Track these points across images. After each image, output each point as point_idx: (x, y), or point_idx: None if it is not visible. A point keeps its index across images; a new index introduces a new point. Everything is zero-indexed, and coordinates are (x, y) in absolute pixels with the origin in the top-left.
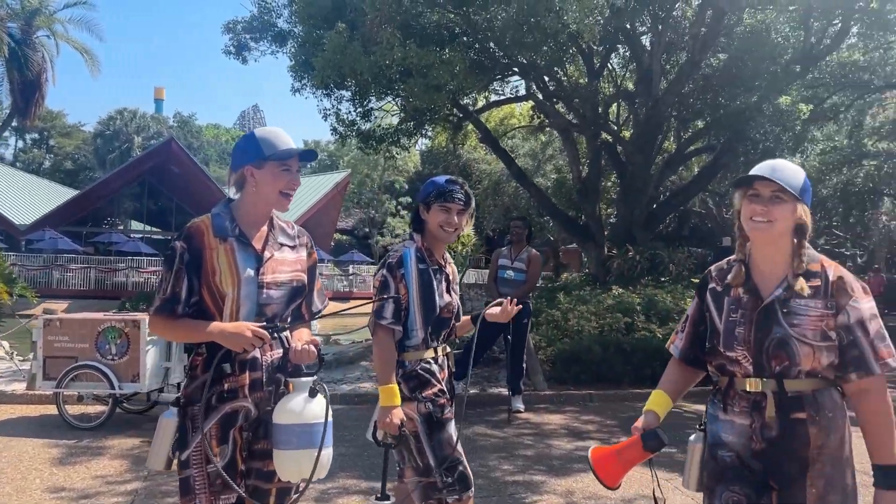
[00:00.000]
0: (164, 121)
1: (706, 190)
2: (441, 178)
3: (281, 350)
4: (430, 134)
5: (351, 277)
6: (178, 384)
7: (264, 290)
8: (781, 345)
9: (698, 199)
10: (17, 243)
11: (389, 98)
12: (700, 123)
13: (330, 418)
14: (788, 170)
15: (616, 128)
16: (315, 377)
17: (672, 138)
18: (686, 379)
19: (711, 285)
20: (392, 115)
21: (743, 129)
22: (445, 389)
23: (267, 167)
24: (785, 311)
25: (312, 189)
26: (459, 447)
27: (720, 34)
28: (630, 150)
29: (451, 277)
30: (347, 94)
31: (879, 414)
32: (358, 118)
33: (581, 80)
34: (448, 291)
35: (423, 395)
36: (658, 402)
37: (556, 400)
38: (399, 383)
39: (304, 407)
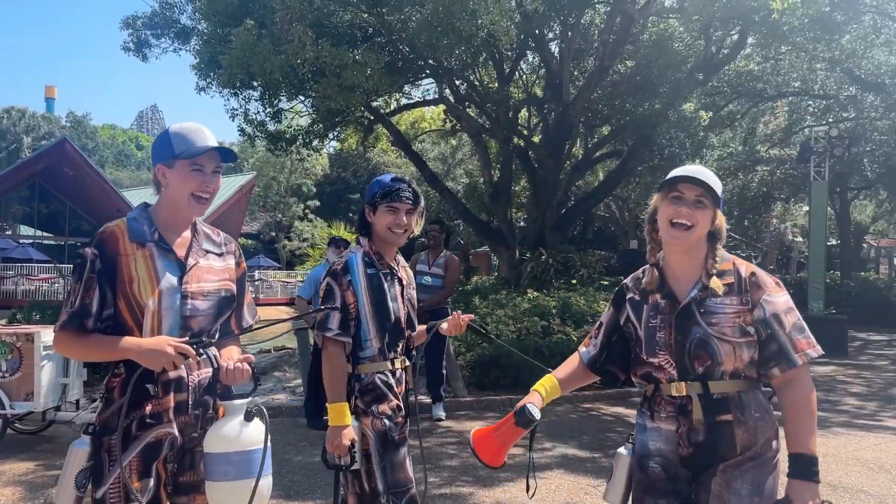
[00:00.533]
0: (56, 120)
1: (611, 194)
2: (386, 177)
3: (209, 369)
4: (340, 136)
5: (257, 283)
6: (77, 402)
7: (189, 301)
8: (702, 345)
9: (602, 203)
10: None
11: (300, 98)
12: (606, 130)
13: (269, 443)
14: (712, 176)
15: (527, 132)
16: (250, 398)
17: (580, 144)
18: (580, 378)
19: (629, 295)
20: (302, 117)
21: (649, 134)
22: (402, 406)
23: (177, 166)
24: (702, 311)
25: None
26: (411, 470)
27: (628, 41)
28: (541, 155)
29: (405, 282)
30: (256, 93)
31: (800, 403)
32: (267, 119)
33: (492, 85)
34: (403, 297)
35: (380, 410)
36: (546, 383)
37: (477, 406)
38: (355, 398)
39: (240, 432)
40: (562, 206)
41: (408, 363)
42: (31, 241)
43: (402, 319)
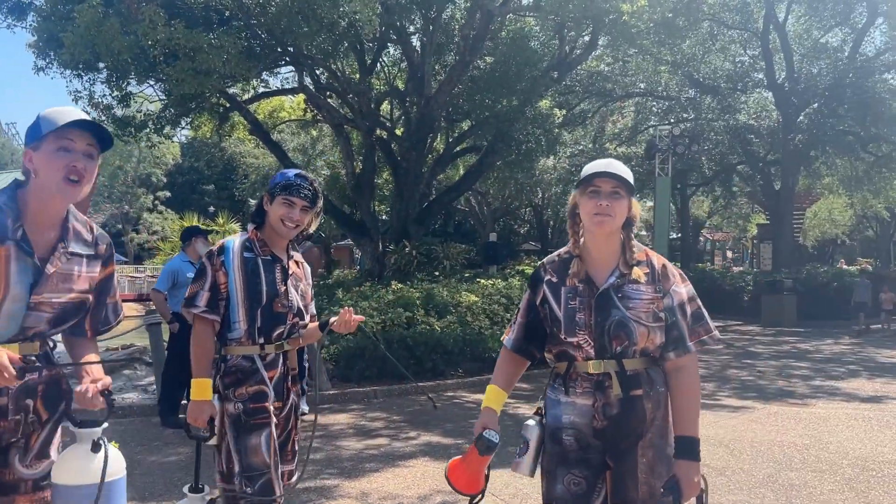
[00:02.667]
0: None
1: (471, 189)
2: (291, 172)
3: (36, 374)
4: (193, 123)
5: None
6: None
7: (33, 312)
8: (621, 326)
9: (462, 197)
10: None
11: (151, 82)
12: (466, 125)
13: (120, 475)
14: (623, 168)
15: (389, 125)
16: (102, 427)
17: (441, 138)
18: (517, 370)
19: (547, 277)
20: (152, 102)
21: (506, 130)
22: (269, 391)
23: (43, 147)
24: (619, 296)
25: None
26: (270, 456)
27: (487, 37)
28: (404, 147)
29: (294, 273)
30: (102, 75)
31: (690, 389)
32: (114, 102)
33: (354, 76)
34: (284, 284)
35: (236, 394)
36: (492, 397)
37: (341, 399)
38: (219, 378)
39: (90, 464)
40: (424, 199)
41: (288, 349)
42: None
43: (283, 305)
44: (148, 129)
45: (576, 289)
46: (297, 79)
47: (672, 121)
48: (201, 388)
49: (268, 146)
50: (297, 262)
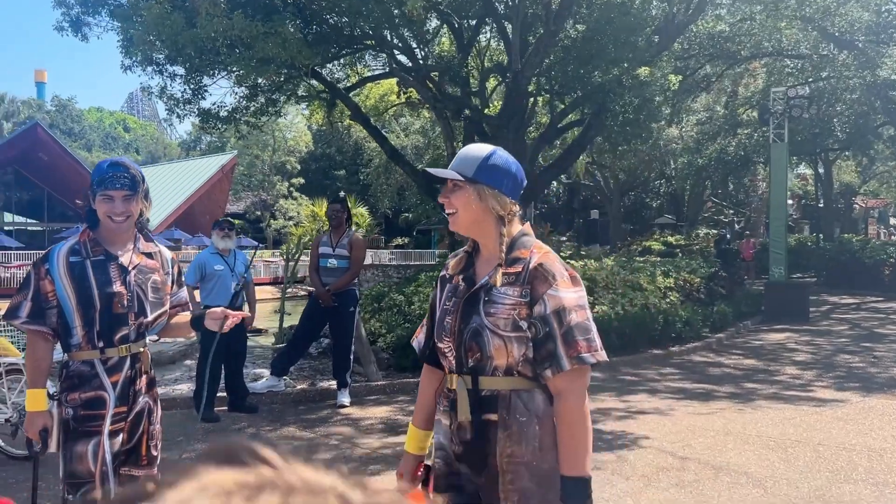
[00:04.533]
0: (40, 105)
1: (593, 163)
2: (105, 162)
3: None
4: (280, 111)
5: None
6: None
7: None
8: (475, 335)
9: (583, 170)
10: None
11: (223, 74)
12: (568, 98)
13: None
14: (469, 155)
15: (487, 103)
16: None
17: (546, 112)
18: (431, 385)
19: (443, 272)
20: (228, 93)
21: (604, 101)
22: (109, 397)
23: None
24: (487, 299)
25: (196, 173)
26: (97, 465)
27: (576, 5)
28: (496, 125)
29: (142, 266)
30: (181, 69)
31: (569, 417)
32: (190, 96)
33: (448, 54)
34: (123, 283)
35: (69, 398)
36: (412, 441)
37: (390, 390)
38: (60, 384)
39: None
40: (527, 177)
41: (137, 350)
42: (11, 228)
43: (123, 305)
44: (235, 121)
45: (456, 287)
46: (390, 63)
47: (808, 80)
48: (34, 399)
49: (368, 131)
50: (148, 254)
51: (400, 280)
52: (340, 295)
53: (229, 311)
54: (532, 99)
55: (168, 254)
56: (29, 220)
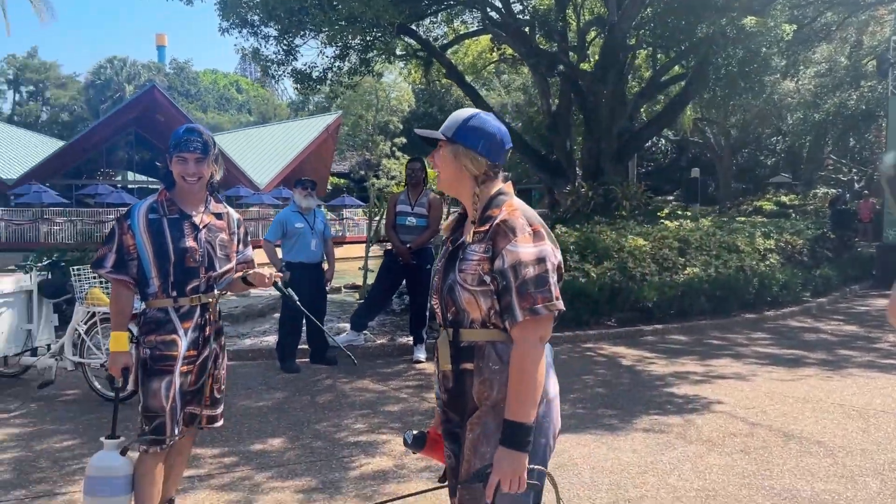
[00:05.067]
0: (160, 68)
1: (703, 119)
2: (182, 128)
3: None
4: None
5: (344, 221)
6: (48, 346)
7: None
8: (450, 291)
9: (689, 125)
10: (7, 198)
11: (313, 34)
12: (671, 53)
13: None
14: (453, 117)
15: (586, 57)
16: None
17: (648, 67)
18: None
19: (445, 234)
20: (318, 54)
21: (706, 54)
22: (179, 341)
23: None
24: (461, 257)
25: (302, 133)
26: (167, 401)
27: None
28: (591, 80)
29: (211, 226)
30: (273, 31)
31: (517, 365)
32: (283, 57)
33: (544, 7)
34: (195, 239)
35: (146, 340)
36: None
37: None
38: (138, 328)
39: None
40: (625, 133)
41: (206, 300)
42: (134, 186)
43: (194, 260)
44: (328, 81)
45: (446, 247)
46: (484, 19)
47: None
48: (117, 341)
49: (463, 89)
50: (217, 214)
51: None
52: (417, 253)
53: (272, 270)
54: (632, 53)
55: (235, 215)
56: (150, 179)
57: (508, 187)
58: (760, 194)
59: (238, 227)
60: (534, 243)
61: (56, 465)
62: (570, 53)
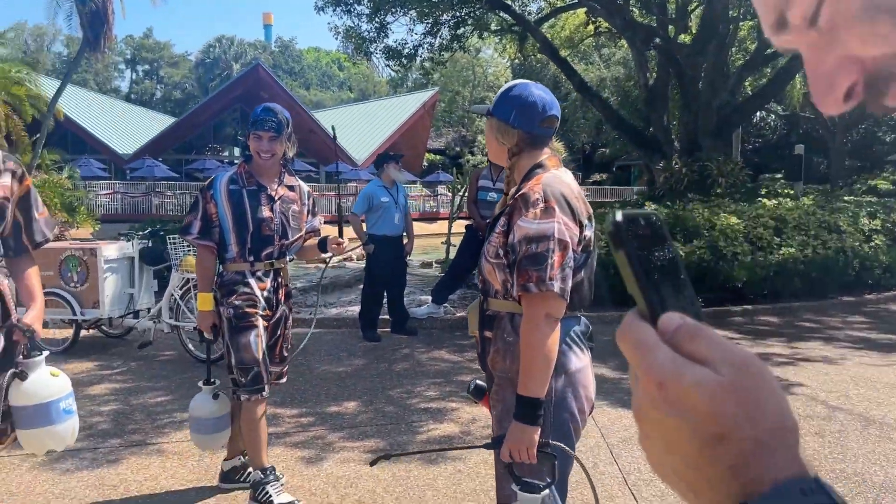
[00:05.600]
0: (265, 46)
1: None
2: (259, 107)
3: None
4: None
5: (438, 198)
6: (149, 310)
7: None
8: (480, 261)
9: (799, 100)
10: (123, 172)
11: (403, 11)
12: None
13: (61, 394)
14: (499, 91)
15: (686, 29)
16: (41, 357)
17: (753, 39)
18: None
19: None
20: (409, 31)
21: None
22: (258, 300)
23: None
24: (495, 229)
25: (399, 109)
26: (258, 352)
27: None
28: (687, 53)
29: (285, 197)
30: (366, 9)
31: (521, 341)
32: (376, 35)
33: None
34: (271, 210)
35: (228, 301)
36: None
37: None
38: (218, 289)
39: (36, 387)
40: (726, 107)
41: (278, 266)
42: (240, 161)
43: (270, 228)
44: (419, 57)
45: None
46: None
47: None
48: (203, 301)
49: (556, 63)
50: (290, 187)
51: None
52: None
53: (341, 239)
54: (734, 25)
55: (306, 188)
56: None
57: (551, 160)
58: (877, 172)
59: (308, 199)
60: (541, 219)
61: (149, 418)
62: (669, 26)
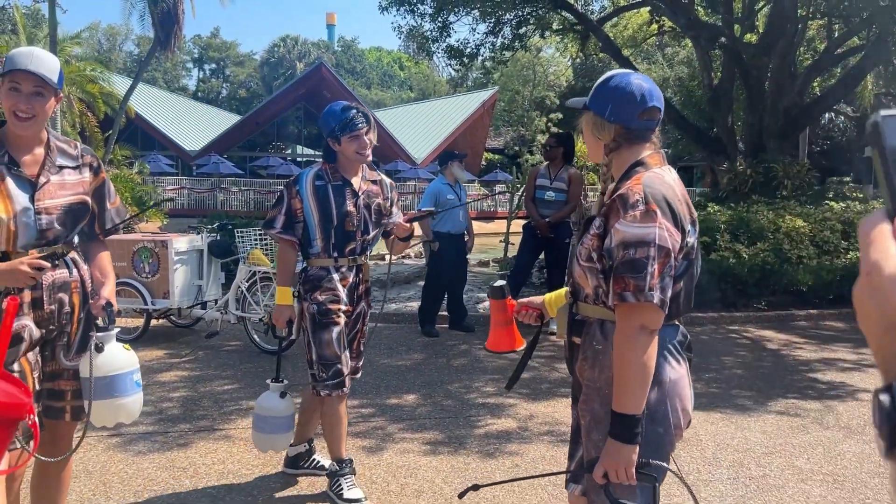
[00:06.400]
0: (328, 46)
1: (887, 94)
2: (337, 107)
3: (66, 271)
4: (540, 45)
5: (497, 197)
6: (216, 301)
7: (42, 216)
8: (571, 263)
9: (870, 101)
10: (190, 168)
11: (466, 11)
12: (850, 23)
13: (132, 367)
14: (596, 83)
15: (753, 29)
16: (115, 330)
17: (824, 37)
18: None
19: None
20: (470, 30)
21: (888, 23)
22: (341, 297)
23: (1, 86)
24: (586, 230)
25: (458, 109)
26: (340, 349)
27: None
28: (753, 53)
29: (368, 191)
30: (429, 9)
31: (615, 351)
32: (439, 34)
33: None
34: (355, 205)
35: (313, 297)
36: (554, 296)
37: None
38: (301, 284)
39: (111, 359)
40: (795, 108)
41: (361, 262)
42: (303, 159)
43: (353, 224)
44: (481, 56)
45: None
46: None
47: None
48: (282, 295)
49: (619, 63)
50: (372, 181)
51: None
52: (556, 227)
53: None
54: (800, 25)
55: (388, 180)
56: (316, 152)
57: (653, 158)
58: None
59: (391, 192)
60: (641, 223)
61: (216, 405)
62: (735, 25)
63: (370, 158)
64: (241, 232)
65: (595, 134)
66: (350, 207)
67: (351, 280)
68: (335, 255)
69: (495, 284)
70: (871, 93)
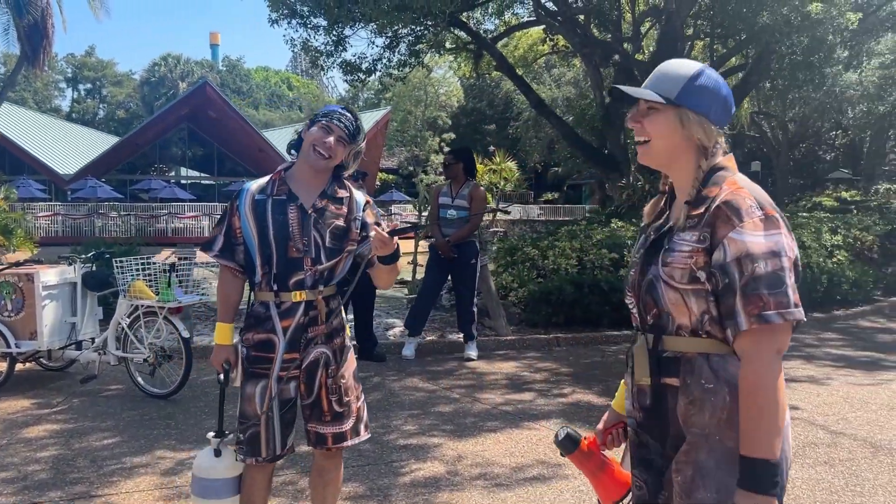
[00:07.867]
0: (212, 65)
1: (760, 112)
2: (340, 107)
3: None
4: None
5: (394, 217)
6: (92, 340)
7: None
8: (650, 288)
9: (748, 121)
10: (64, 193)
11: (362, 24)
12: (730, 42)
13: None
14: (671, 72)
15: (640, 48)
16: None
17: (704, 58)
18: None
19: (644, 222)
20: (368, 44)
21: (769, 42)
22: (276, 341)
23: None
24: (667, 247)
25: None
26: (262, 408)
27: None
28: (647, 71)
29: (328, 210)
30: (323, 21)
31: (748, 387)
32: (334, 48)
33: None
34: (301, 226)
35: (244, 338)
36: (619, 395)
37: (519, 345)
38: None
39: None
40: None
41: (312, 297)
42: (187, 181)
43: (298, 249)
44: (377, 73)
45: (646, 236)
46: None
47: None
48: (219, 333)
49: (514, 81)
50: (336, 199)
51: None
52: (460, 246)
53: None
54: (689, 43)
55: (361, 198)
56: (202, 175)
57: (729, 161)
58: (819, 190)
59: (361, 211)
60: (766, 231)
61: (94, 465)
62: (625, 44)
63: (321, 166)
64: (121, 261)
65: (694, 134)
66: (294, 228)
67: (296, 320)
68: (275, 287)
69: (559, 437)
70: (747, 111)
